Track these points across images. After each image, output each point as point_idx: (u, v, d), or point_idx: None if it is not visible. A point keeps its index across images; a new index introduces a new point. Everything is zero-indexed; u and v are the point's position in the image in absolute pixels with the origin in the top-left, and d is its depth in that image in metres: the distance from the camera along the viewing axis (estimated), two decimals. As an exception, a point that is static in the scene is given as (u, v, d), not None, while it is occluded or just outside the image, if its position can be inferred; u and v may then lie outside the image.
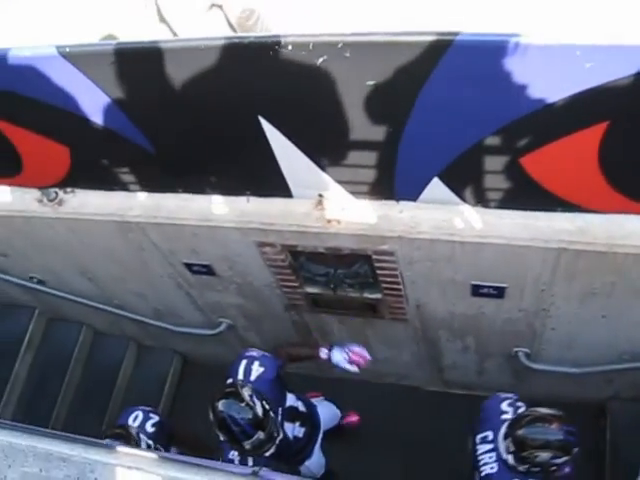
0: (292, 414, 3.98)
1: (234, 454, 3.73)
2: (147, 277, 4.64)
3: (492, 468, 3.53)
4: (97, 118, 3.29)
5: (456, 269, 3.67)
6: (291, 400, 4.01)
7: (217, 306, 4.90)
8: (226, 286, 4.50)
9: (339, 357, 3.89)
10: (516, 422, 3.38)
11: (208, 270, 4.31)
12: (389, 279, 3.89)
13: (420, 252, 3.57)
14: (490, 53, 2.40)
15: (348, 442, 5.33)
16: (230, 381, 3.67)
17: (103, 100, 3.17)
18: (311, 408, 4.41)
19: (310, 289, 4.26)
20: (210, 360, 5.93)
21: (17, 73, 3.08)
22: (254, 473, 2.00)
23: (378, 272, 3.86)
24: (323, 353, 3.90)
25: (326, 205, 3.52)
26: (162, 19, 4.29)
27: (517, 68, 2.43)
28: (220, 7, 3.98)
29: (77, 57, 2.98)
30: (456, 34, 2.39)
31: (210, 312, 5.02)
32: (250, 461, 3.71)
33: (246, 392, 3.45)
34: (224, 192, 3.67)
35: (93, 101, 3.20)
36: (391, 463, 5.17)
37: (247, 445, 3.43)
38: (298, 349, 4.19)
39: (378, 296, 4.14)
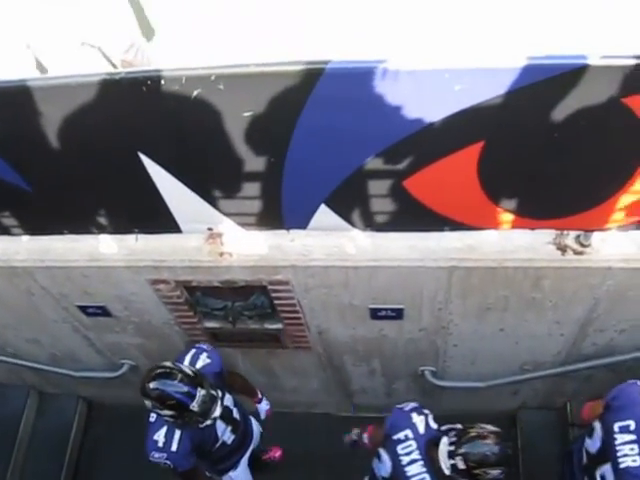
0: (227, 415, 3.93)
1: (159, 435, 3.65)
2: (40, 322, 4.46)
3: (634, 461, 3.28)
4: (-35, 159, 3.15)
5: (352, 294, 3.66)
6: (228, 401, 3.98)
7: (117, 347, 4.76)
8: (124, 326, 4.37)
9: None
10: None
11: (103, 311, 4.18)
12: (287, 308, 3.86)
13: (315, 279, 3.55)
14: (361, 79, 2.40)
15: (267, 473, 5.25)
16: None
17: (-30, 140, 3.03)
18: (245, 418, 4.37)
19: (209, 324, 4.19)
20: (116, 403, 5.78)
21: None
22: None
23: (276, 302, 3.83)
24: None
25: (217, 238, 3.46)
26: (38, 61, 4.13)
27: (389, 93, 2.44)
28: (94, 46, 3.85)
29: None
30: (326, 62, 2.38)
31: (110, 354, 4.88)
32: (175, 443, 3.64)
33: (168, 363, 3.49)
34: (111, 231, 3.55)
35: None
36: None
37: (195, 407, 3.40)
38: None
39: (279, 326, 4.11)
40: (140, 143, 2.93)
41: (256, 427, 4.64)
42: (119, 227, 3.52)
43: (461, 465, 3.21)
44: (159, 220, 3.38)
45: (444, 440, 3.34)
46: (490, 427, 3.29)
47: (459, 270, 3.36)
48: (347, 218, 3.20)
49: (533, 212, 3.10)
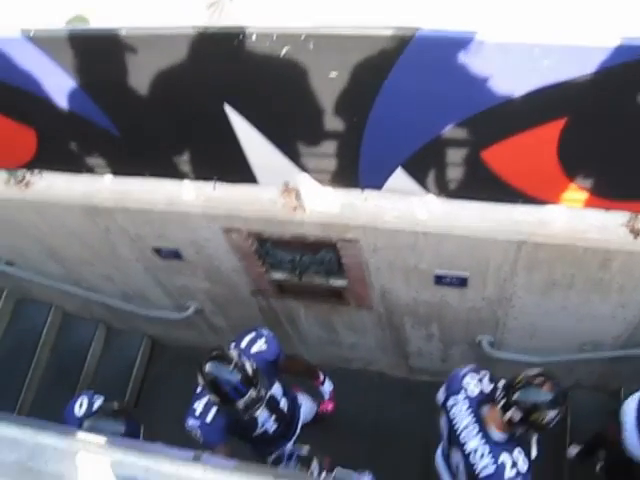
0: (272, 405, 3.96)
1: (199, 404, 3.69)
2: (115, 260, 4.64)
3: None
4: (63, 101, 3.30)
5: (419, 258, 3.71)
6: (277, 391, 4.01)
7: (185, 290, 4.92)
8: (194, 270, 4.51)
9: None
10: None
11: (176, 254, 4.32)
12: (354, 266, 3.93)
13: (384, 241, 3.61)
14: (449, 49, 2.44)
15: (317, 427, 5.36)
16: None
17: (69, 84, 3.17)
18: (294, 408, 4.36)
19: (276, 275, 4.29)
20: (179, 343, 5.96)
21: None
22: (196, 457, 2.03)
23: (343, 259, 3.90)
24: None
25: (292, 193, 3.55)
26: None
27: (477, 64, 2.47)
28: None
29: (42, 41, 2.99)
30: (416, 29, 2.42)
31: (178, 296, 5.04)
32: (210, 415, 3.66)
33: (234, 352, 3.49)
34: (191, 177, 3.68)
35: (59, 84, 3.20)
36: (358, 448, 5.20)
37: (241, 404, 3.45)
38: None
39: (343, 283, 4.18)
40: (226, 95, 3.03)
41: (308, 407, 4.65)
42: (199, 174, 3.65)
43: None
44: (238, 170, 3.49)
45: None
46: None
47: (528, 244, 3.37)
48: (422, 183, 3.25)
49: (609, 192, 3.09)
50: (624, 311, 3.88)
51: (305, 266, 4.05)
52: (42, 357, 5.84)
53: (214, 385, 3.42)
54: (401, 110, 2.79)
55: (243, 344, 3.78)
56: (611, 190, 3.08)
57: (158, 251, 4.34)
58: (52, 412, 5.57)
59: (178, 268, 4.53)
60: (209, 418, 3.67)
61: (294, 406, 4.35)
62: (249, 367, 3.46)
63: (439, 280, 3.88)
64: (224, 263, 4.31)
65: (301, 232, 3.71)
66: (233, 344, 3.74)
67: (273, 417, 4.02)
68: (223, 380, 3.39)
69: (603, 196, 3.12)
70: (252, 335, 3.84)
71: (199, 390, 3.72)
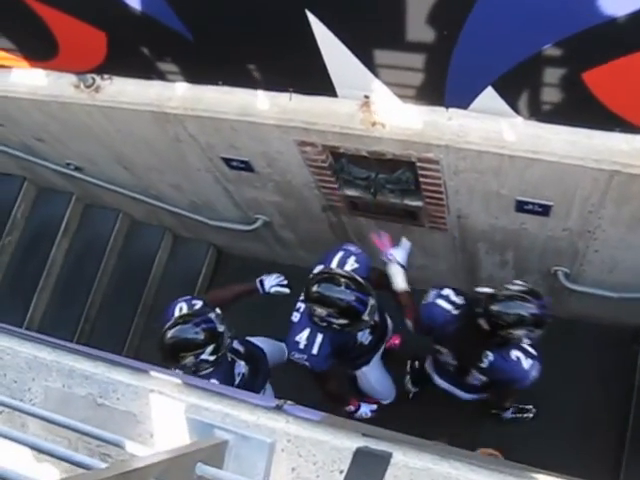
0: None
1: (301, 337, 3.71)
2: (184, 169, 4.57)
3: None
4: (134, 2, 3.15)
5: (502, 183, 3.54)
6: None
7: (254, 202, 4.84)
8: (264, 183, 4.42)
9: None
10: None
11: (246, 166, 4.22)
12: (432, 187, 3.78)
13: (466, 162, 3.44)
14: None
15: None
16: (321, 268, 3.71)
17: (140, -18, 3.03)
18: (383, 318, 4.32)
19: (349, 192, 4.15)
20: (245, 255, 5.94)
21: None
22: (278, 407, 1.94)
23: (421, 180, 3.74)
24: None
25: (372, 107, 3.38)
26: None
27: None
28: None
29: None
30: None
31: (247, 208, 4.97)
32: (316, 347, 3.70)
33: (342, 272, 3.58)
34: (266, 87, 3.54)
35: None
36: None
37: (366, 316, 3.50)
38: None
39: (419, 204, 4.03)
40: (310, 1, 2.84)
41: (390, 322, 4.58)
42: (274, 84, 3.50)
43: None
44: (316, 81, 3.34)
45: None
46: None
47: (621, 175, 3.17)
48: (512, 104, 3.06)
49: None
50: None
51: (380, 184, 3.89)
52: (110, 262, 5.90)
53: (341, 308, 3.45)
54: (498, 24, 2.58)
55: (333, 265, 3.73)
56: None
57: (228, 161, 4.23)
58: (118, 317, 5.73)
59: (248, 180, 4.44)
60: (315, 350, 3.71)
61: (383, 316, 4.31)
62: (359, 278, 3.50)
63: (521, 207, 3.71)
64: (296, 177, 4.19)
65: (379, 149, 3.54)
66: (320, 266, 3.70)
67: (368, 330, 4.01)
68: (348, 298, 3.43)
69: None
70: (340, 254, 3.80)
71: (296, 319, 3.76)
